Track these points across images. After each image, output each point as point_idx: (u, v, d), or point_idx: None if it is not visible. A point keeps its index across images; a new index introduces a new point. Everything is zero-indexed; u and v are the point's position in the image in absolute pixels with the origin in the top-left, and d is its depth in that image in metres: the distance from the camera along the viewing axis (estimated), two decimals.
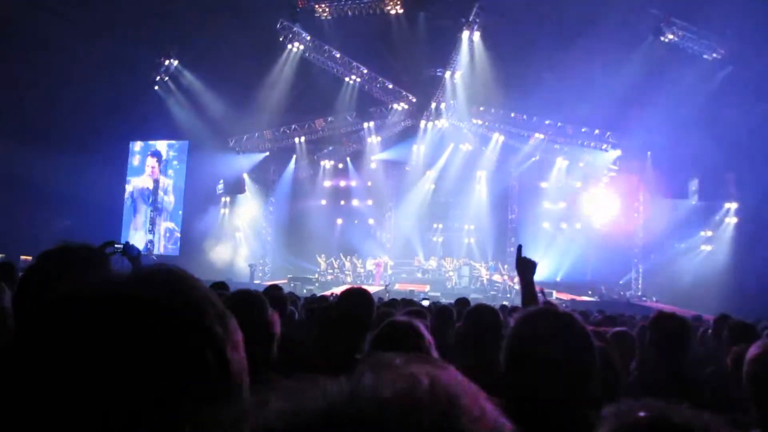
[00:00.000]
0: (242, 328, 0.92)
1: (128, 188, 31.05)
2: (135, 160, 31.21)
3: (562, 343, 2.02)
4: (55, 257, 2.06)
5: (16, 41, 23.35)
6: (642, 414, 0.90)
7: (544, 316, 2.18)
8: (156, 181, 30.24)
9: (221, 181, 29.76)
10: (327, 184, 31.04)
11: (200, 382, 0.77)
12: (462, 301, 8.00)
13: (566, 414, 1.93)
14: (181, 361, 0.78)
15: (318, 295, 11.40)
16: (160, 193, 30.50)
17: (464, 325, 4.00)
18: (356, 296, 3.80)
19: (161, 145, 30.79)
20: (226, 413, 0.54)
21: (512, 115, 27.49)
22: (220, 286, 6.22)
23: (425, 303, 9.46)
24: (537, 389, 1.97)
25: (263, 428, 0.52)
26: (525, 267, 3.56)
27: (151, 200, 30.31)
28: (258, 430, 0.52)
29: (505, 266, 27.12)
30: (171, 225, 30.49)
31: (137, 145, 31.18)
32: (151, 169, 30.16)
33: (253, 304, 2.50)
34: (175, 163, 30.64)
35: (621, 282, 27.24)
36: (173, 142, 30.49)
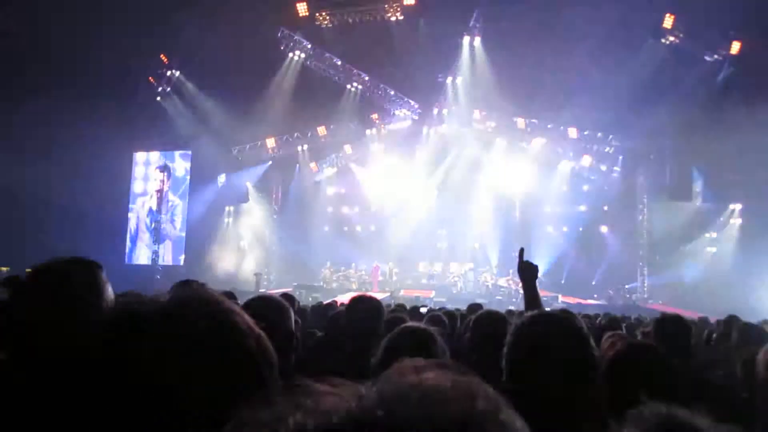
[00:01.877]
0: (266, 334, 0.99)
1: (133, 199, 31.07)
2: (138, 171, 31.25)
3: (559, 347, 2.03)
4: (47, 274, 2.08)
5: (16, 53, 23.42)
6: (663, 419, 0.91)
7: (540, 320, 2.18)
8: (160, 192, 30.21)
9: (223, 175, 29.74)
10: (330, 191, 31.07)
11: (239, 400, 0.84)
12: (474, 308, 7.77)
13: (568, 416, 1.93)
14: (221, 382, 0.89)
15: (323, 302, 11.33)
16: (168, 204, 30.41)
17: (471, 332, 3.99)
18: (365, 304, 3.80)
19: (167, 156, 30.72)
20: (264, 415, 0.58)
21: (514, 119, 27.49)
22: (229, 296, 6.18)
23: (423, 310, 9.34)
24: (537, 393, 1.97)
25: (297, 428, 0.55)
26: (526, 271, 3.54)
27: (153, 219, 30.24)
28: (292, 430, 0.55)
29: (510, 271, 27.02)
30: (177, 234, 30.47)
31: (140, 156, 31.22)
32: (160, 183, 30.04)
33: (277, 312, 2.50)
34: (182, 171, 30.59)
35: (627, 286, 27.13)
36: (177, 152, 30.49)
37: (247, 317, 0.99)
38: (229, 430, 0.60)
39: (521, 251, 3.65)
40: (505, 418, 0.60)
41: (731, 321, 6.02)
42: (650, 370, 2.27)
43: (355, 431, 0.54)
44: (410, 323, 2.90)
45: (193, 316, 0.93)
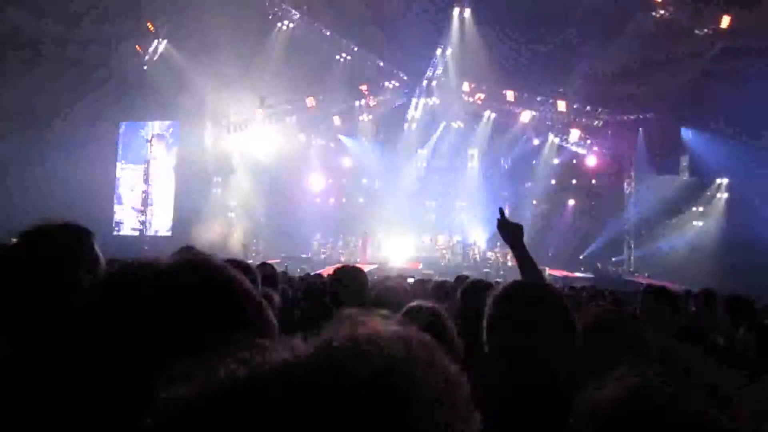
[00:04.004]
0: None
1: (120, 169, 30.83)
2: (125, 141, 30.94)
3: (536, 322, 2.00)
4: (38, 239, 2.02)
5: None
6: (641, 383, 0.91)
7: (516, 291, 2.15)
8: (147, 161, 29.98)
9: (211, 146, 29.47)
10: (318, 162, 30.95)
11: None
12: (461, 279, 7.77)
13: (547, 384, 1.92)
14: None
15: (311, 273, 11.38)
16: (155, 174, 30.20)
17: (461, 303, 3.97)
18: (350, 273, 3.79)
19: (154, 126, 30.47)
20: (198, 368, 0.58)
21: (503, 92, 27.41)
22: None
23: (410, 280, 9.35)
24: (515, 362, 1.96)
25: (227, 378, 0.56)
26: (509, 231, 3.13)
27: (140, 189, 30.05)
28: (225, 380, 0.56)
29: (498, 243, 27.11)
30: (165, 205, 30.34)
31: (127, 126, 30.86)
32: (148, 152, 29.76)
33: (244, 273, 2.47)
34: (170, 141, 30.36)
35: (614, 259, 27.31)
36: (165, 122, 30.21)
37: (248, 284, 0.97)
38: (160, 387, 0.58)
39: (501, 211, 3.25)
40: (438, 363, 0.60)
41: (705, 294, 6.01)
42: (618, 339, 2.25)
43: (285, 379, 0.55)
44: (418, 302, 2.83)
45: (195, 281, 0.92)
